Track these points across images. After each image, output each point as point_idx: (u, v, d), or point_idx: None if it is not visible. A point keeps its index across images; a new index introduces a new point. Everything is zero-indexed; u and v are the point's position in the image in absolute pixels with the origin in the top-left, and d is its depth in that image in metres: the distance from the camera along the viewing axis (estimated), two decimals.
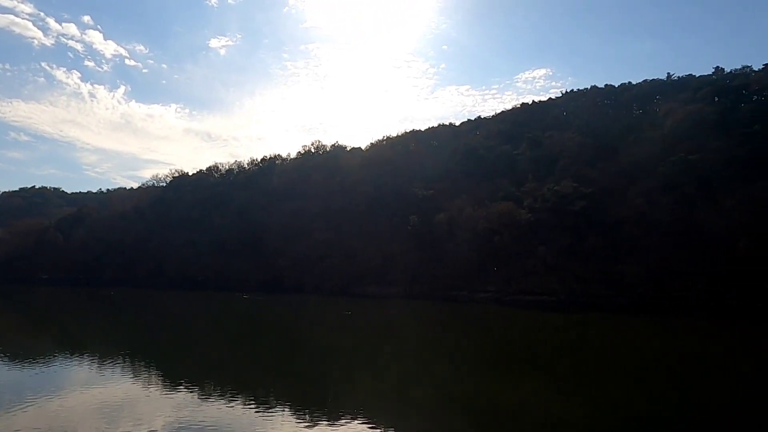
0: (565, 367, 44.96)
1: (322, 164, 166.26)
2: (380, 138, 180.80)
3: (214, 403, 30.88)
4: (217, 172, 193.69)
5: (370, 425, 27.27)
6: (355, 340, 61.05)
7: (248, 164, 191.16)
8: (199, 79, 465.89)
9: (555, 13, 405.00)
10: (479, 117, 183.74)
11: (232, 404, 30.70)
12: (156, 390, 34.02)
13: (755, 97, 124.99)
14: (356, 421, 27.83)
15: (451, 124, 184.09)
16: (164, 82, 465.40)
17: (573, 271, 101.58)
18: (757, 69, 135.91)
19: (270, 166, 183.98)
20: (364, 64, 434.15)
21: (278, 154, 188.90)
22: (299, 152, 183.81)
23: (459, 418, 29.39)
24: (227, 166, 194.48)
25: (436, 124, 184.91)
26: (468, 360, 48.18)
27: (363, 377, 40.15)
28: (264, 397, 32.64)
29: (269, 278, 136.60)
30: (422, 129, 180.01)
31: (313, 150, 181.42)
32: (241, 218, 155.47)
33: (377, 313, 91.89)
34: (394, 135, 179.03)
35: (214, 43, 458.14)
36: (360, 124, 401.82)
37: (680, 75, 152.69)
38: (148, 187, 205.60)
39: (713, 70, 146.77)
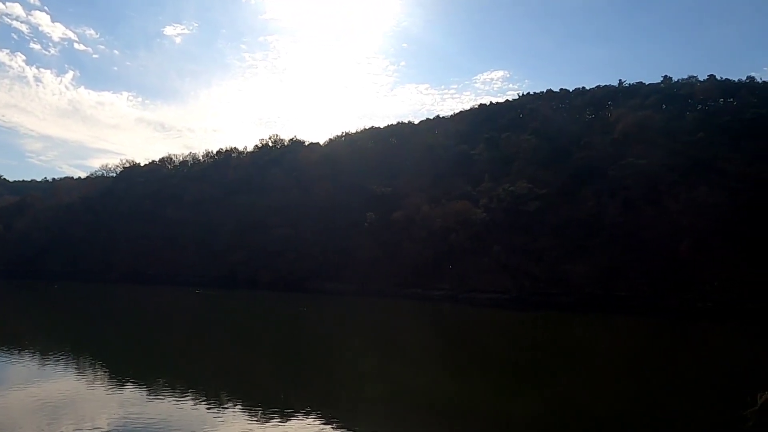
0: (515, 364, 45.96)
1: (280, 159, 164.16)
2: (339, 134, 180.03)
3: (163, 400, 30.16)
4: (170, 164, 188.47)
5: (323, 422, 27.19)
6: (308, 336, 60.72)
7: (203, 156, 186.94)
8: (152, 67, 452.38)
9: (514, 16, 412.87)
10: (438, 116, 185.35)
11: (181, 401, 30.05)
12: (101, 387, 32.96)
13: (699, 106, 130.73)
14: (309, 419, 27.70)
15: (410, 122, 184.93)
16: (116, 68, 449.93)
17: (525, 270, 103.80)
18: (702, 80, 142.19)
19: (226, 159, 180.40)
20: (324, 58, 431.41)
21: (234, 147, 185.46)
22: (256, 146, 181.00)
23: (412, 415, 29.62)
24: (181, 158, 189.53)
25: (395, 122, 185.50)
26: (421, 357, 48.62)
27: (316, 374, 39.97)
28: (215, 394, 32.08)
29: (223, 273, 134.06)
30: (381, 126, 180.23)
31: (270, 144, 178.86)
32: (195, 212, 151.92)
33: (332, 310, 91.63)
34: (353, 131, 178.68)
35: (169, 30, 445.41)
36: (319, 119, 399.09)
37: (631, 82, 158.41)
38: (97, 177, 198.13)
39: (662, 78, 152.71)
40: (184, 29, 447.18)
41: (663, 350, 56.25)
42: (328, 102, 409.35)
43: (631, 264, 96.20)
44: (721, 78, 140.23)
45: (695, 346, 59.71)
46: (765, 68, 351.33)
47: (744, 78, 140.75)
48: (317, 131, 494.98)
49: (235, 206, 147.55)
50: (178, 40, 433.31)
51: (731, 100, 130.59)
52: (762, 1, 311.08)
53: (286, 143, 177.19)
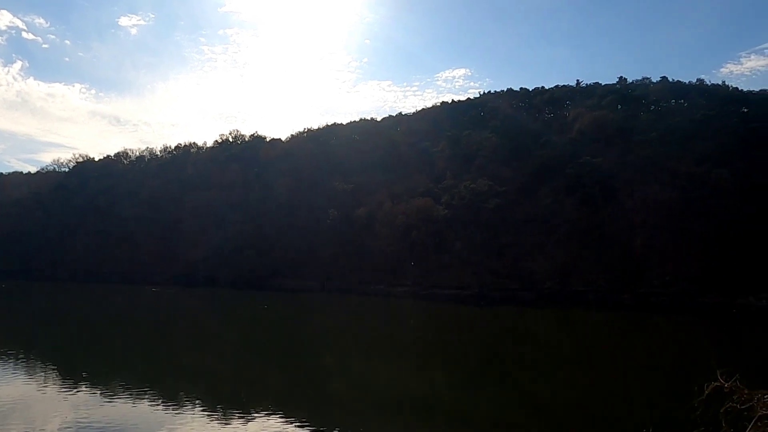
0: (477, 359, 46.60)
1: (240, 154, 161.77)
2: (301, 130, 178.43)
3: (119, 402, 29.38)
4: (126, 159, 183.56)
5: (284, 420, 26.99)
6: (269, 335, 60.12)
7: (161, 151, 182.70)
8: (107, 58, 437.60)
9: (475, 15, 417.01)
10: (400, 113, 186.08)
11: (138, 403, 29.34)
12: (53, 389, 31.86)
13: (653, 106, 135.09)
14: (270, 418, 27.45)
15: (372, 119, 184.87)
16: (67, 59, 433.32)
17: (486, 266, 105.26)
18: (655, 81, 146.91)
19: (184, 154, 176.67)
20: (286, 53, 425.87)
21: (193, 142, 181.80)
22: (216, 141, 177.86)
23: (372, 411, 29.71)
24: (138, 153, 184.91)
25: (357, 119, 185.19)
26: (383, 353, 48.78)
27: (277, 373, 39.64)
28: (173, 395, 31.45)
29: (181, 271, 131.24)
30: (344, 123, 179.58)
31: (231, 139, 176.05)
32: (152, 208, 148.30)
33: (294, 308, 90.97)
34: (315, 128, 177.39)
35: (124, 21, 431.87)
36: (280, 114, 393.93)
37: (588, 82, 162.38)
38: (48, 172, 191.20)
39: (617, 79, 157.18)
40: (139, 20, 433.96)
41: (618, 343, 58.01)
42: (290, 98, 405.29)
43: (588, 259, 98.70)
44: (673, 80, 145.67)
45: (648, 339, 61.78)
46: (714, 71, 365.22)
47: (694, 80, 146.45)
48: (279, 127, 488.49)
49: (193, 203, 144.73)
50: (133, 31, 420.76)
51: (682, 101, 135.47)
52: (712, 7, 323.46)
53: (246, 139, 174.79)
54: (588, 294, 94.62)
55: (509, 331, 66.60)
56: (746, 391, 7.89)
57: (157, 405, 29.12)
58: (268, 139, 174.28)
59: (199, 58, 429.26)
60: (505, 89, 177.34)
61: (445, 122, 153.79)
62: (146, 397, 30.61)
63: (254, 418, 27.35)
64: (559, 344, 55.91)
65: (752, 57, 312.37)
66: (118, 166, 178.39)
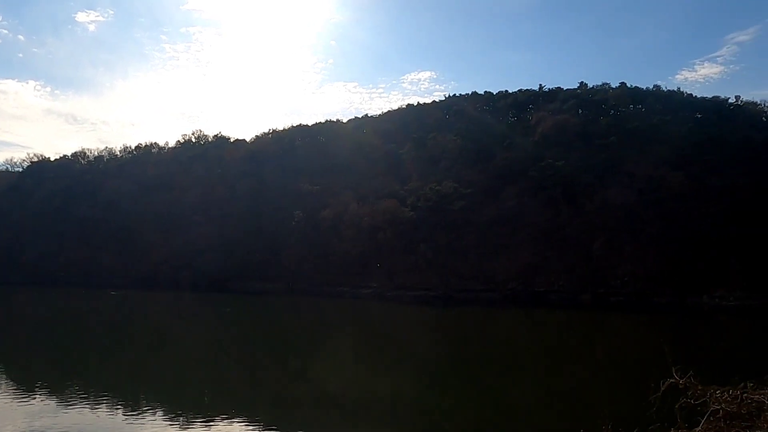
0: (442, 361, 46.96)
1: (203, 155, 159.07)
2: (266, 131, 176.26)
3: (75, 409, 28.49)
4: (84, 159, 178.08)
5: (247, 426, 26.67)
6: (233, 338, 59.31)
7: (120, 151, 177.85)
8: (63, 55, 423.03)
9: (441, 18, 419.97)
10: (366, 115, 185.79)
11: (96, 409, 28.52)
12: (5, 397, 30.69)
13: (612, 111, 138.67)
14: (233, 423, 27.08)
15: (338, 120, 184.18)
16: (21, 55, 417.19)
17: (451, 267, 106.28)
18: (614, 87, 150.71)
19: (145, 154, 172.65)
20: (251, 53, 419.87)
21: (154, 142, 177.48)
22: (178, 141, 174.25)
23: (337, 414, 29.63)
24: (96, 153, 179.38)
25: (323, 120, 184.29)
26: (347, 356, 48.67)
27: (241, 377, 39.15)
28: (133, 401, 30.70)
29: (142, 274, 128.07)
30: (309, 124, 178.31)
31: (193, 140, 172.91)
32: (111, 209, 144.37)
33: (258, 311, 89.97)
34: (281, 128, 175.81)
35: (81, 17, 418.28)
36: (245, 115, 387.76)
37: (550, 87, 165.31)
38: (1, 172, 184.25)
39: (578, 84, 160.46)
40: (98, 16, 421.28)
41: (579, 342, 59.37)
42: (254, 98, 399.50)
43: (551, 261, 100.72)
44: (631, 86, 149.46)
45: (607, 338, 63.46)
46: (669, 78, 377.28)
47: (651, 86, 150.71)
48: (243, 128, 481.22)
49: (155, 204, 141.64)
50: (91, 27, 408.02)
51: (640, 106, 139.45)
52: (668, 16, 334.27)
53: (210, 139, 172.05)
54: (550, 294, 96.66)
55: (474, 332, 67.36)
56: (700, 387, 8.19)
57: (116, 411, 28.38)
58: (232, 140, 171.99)
59: (161, 56, 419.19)
60: (470, 92, 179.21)
61: (411, 124, 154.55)
62: (104, 403, 29.80)
63: (217, 422, 26.94)
64: (523, 344, 56.86)
65: (705, 64, 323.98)
66: (75, 166, 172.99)
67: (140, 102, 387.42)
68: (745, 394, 7.81)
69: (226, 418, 27.61)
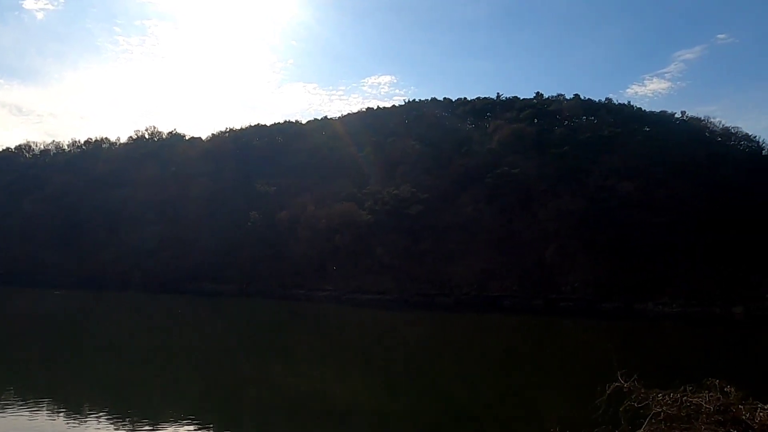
0: (396, 364, 47.12)
1: (157, 152, 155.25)
2: (223, 130, 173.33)
3: (11, 415, 27.18)
4: (29, 152, 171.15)
5: (198, 429, 26.07)
6: (184, 341, 57.93)
7: (68, 145, 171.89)
8: (8, 43, 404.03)
9: (402, 24, 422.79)
10: (326, 117, 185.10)
11: (35, 415, 27.29)
12: None
13: (566, 122, 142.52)
14: (183, 426, 26.42)
15: (297, 121, 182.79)
16: None
17: (407, 271, 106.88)
18: (568, 98, 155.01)
19: (95, 149, 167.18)
20: (208, 49, 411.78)
21: (105, 137, 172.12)
22: (131, 137, 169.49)
23: (290, 419, 29.31)
24: (42, 146, 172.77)
25: (281, 120, 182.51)
26: (302, 359, 48.29)
27: (192, 380, 38.25)
28: (75, 406, 29.55)
29: (89, 273, 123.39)
30: (267, 124, 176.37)
31: (147, 136, 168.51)
32: (58, 205, 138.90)
33: (211, 312, 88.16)
34: (238, 127, 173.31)
35: (29, 4, 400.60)
36: (201, 112, 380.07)
37: (508, 96, 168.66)
38: None
39: (534, 94, 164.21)
40: (47, 4, 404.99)
41: (531, 346, 60.62)
42: (212, 96, 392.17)
43: (504, 266, 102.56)
44: (584, 98, 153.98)
45: (559, 343, 65.05)
46: (621, 91, 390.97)
47: (603, 99, 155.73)
48: (199, 125, 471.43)
49: (104, 201, 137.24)
50: (39, 15, 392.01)
51: (592, 118, 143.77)
52: (619, 32, 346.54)
53: (164, 136, 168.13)
54: (504, 299, 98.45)
55: (429, 336, 67.87)
56: (643, 391, 8.49)
57: (57, 417, 27.25)
58: (187, 137, 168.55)
59: (114, 49, 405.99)
60: (430, 98, 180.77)
61: (370, 128, 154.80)
62: (44, 408, 28.56)
63: (165, 427, 26.23)
64: (476, 348, 57.63)
65: (654, 80, 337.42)
66: (19, 160, 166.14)
67: (91, 95, 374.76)
68: (685, 398, 8.13)
69: (175, 422, 26.91)
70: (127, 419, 27.10)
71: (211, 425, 26.74)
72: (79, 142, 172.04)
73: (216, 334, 64.07)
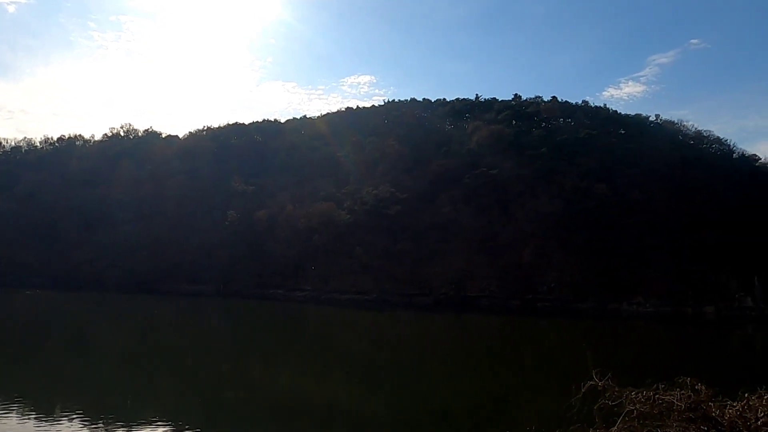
0: (375, 364, 47.12)
1: (133, 150, 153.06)
2: (200, 128, 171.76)
3: None
4: None
5: (175, 430, 25.76)
6: (161, 341, 57.16)
7: (41, 142, 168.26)
8: None
9: (382, 24, 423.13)
10: (305, 116, 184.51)
11: (5, 418, 26.68)
12: None
13: (544, 124, 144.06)
14: (159, 429, 26.08)
15: (276, 120, 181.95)
16: None
17: (386, 271, 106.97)
18: (546, 100, 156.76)
19: (69, 146, 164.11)
20: (186, 46, 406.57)
21: (79, 135, 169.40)
22: (105, 134, 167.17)
23: (268, 419, 29.14)
24: (13, 143, 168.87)
25: (260, 119, 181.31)
26: (281, 359, 48.03)
27: (168, 381, 37.77)
28: (48, 407, 28.95)
29: (62, 273, 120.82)
30: (246, 123, 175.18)
31: (122, 134, 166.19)
32: (30, 203, 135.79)
33: (188, 313, 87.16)
34: (216, 126, 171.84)
35: None
36: (178, 110, 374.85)
37: (486, 97, 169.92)
38: None
39: (513, 96, 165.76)
40: None
41: (508, 346, 61.18)
42: (189, 94, 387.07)
43: (482, 267, 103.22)
44: (562, 100, 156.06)
45: (535, 342, 65.73)
46: (597, 94, 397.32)
47: (580, 101, 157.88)
48: (176, 123, 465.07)
49: (78, 199, 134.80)
50: (11, 9, 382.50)
51: (569, 120, 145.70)
52: (596, 36, 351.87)
53: (140, 134, 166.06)
54: (482, 299, 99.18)
55: (408, 336, 68.02)
56: (617, 389, 8.65)
57: (28, 419, 26.66)
58: (163, 136, 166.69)
59: (88, 45, 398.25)
60: (409, 99, 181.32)
61: (350, 128, 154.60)
62: (15, 411, 27.92)
63: (140, 429, 25.86)
64: (454, 348, 57.93)
65: (630, 83, 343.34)
66: None
67: (64, 91, 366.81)
68: (657, 395, 8.31)
69: (150, 424, 26.55)
70: (101, 421, 26.65)
71: (188, 427, 26.43)
72: (52, 139, 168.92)
73: (193, 334, 63.37)
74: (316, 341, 61.75)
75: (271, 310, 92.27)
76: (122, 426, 26.09)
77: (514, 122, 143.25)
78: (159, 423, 26.76)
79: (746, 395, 7.95)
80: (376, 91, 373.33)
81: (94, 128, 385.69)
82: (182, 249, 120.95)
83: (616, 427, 8.44)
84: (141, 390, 35.00)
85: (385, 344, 60.00)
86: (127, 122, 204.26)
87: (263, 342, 58.96)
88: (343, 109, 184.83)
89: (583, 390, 9.03)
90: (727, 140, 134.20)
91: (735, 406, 7.91)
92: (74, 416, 27.49)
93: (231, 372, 40.44)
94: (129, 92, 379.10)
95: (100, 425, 26.16)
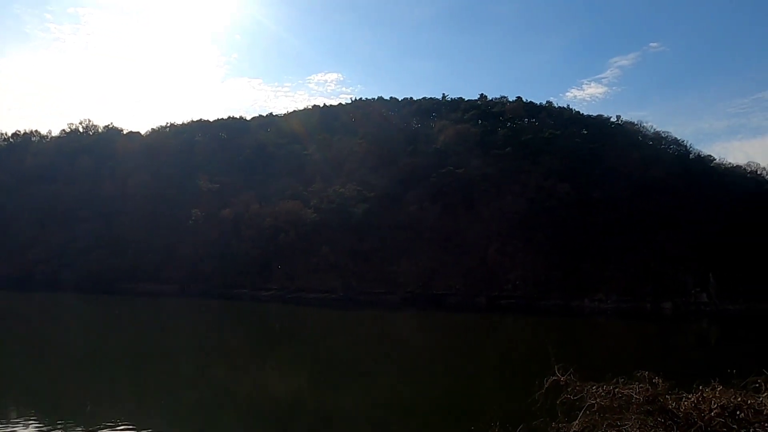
0: (342, 362, 47.04)
1: (92, 146, 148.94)
2: (163, 124, 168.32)
3: None
4: None
5: None
6: (122, 343, 55.75)
7: None
8: None
9: (350, 22, 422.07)
10: (271, 114, 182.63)
11: None
12: None
13: (509, 123, 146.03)
14: (118, 430, 25.46)
15: (241, 117, 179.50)
16: None
17: (353, 270, 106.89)
18: (511, 100, 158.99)
19: (23, 142, 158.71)
20: (147, 39, 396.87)
21: (35, 130, 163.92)
22: (63, 130, 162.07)
23: (234, 418, 28.77)
24: None
25: (225, 117, 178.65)
26: (246, 359, 47.51)
27: (130, 383, 36.90)
28: (2, 413, 27.95)
29: (16, 273, 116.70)
30: (210, 120, 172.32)
31: (81, 129, 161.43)
32: None
33: (150, 313, 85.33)
34: (180, 123, 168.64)
35: None
36: (140, 106, 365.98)
37: (453, 97, 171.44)
38: None
39: (479, 96, 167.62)
40: None
41: (474, 342, 61.89)
42: (152, 89, 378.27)
43: (449, 264, 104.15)
44: (526, 100, 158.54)
45: (500, 339, 66.70)
46: (560, 95, 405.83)
47: (544, 102, 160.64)
48: (138, 119, 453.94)
49: (34, 196, 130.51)
50: None
51: (534, 120, 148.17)
52: (559, 37, 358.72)
53: (100, 130, 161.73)
54: (448, 297, 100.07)
55: (374, 334, 68.12)
56: (578, 384, 8.82)
57: None
58: (124, 132, 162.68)
59: (45, 37, 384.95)
60: (376, 97, 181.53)
61: (316, 126, 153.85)
62: None
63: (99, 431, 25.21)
64: (420, 345, 58.30)
65: (592, 84, 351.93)
66: None
67: (19, 84, 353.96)
68: (617, 389, 8.51)
69: (110, 428, 25.89)
70: (59, 426, 25.86)
71: (149, 427, 25.89)
72: (6, 134, 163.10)
73: (154, 335, 62.05)
74: (281, 341, 61.29)
75: (236, 310, 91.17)
76: (79, 427, 25.38)
77: (480, 122, 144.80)
78: (119, 427, 26.11)
79: (700, 387, 8.21)
80: (344, 89, 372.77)
81: (51, 124, 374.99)
82: (144, 248, 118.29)
83: (577, 421, 8.62)
84: (100, 393, 34.10)
85: (351, 343, 59.96)
86: (86, 118, 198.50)
87: (227, 342, 58.18)
88: (310, 107, 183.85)
89: (546, 385, 9.19)
90: (684, 141, 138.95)
91: (690, 398, 8.15)
92: (30, 422, 26.61)
93: (194, 372, 39.79)
94: (88, 87, 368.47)
95: (59, 430, 25.38)
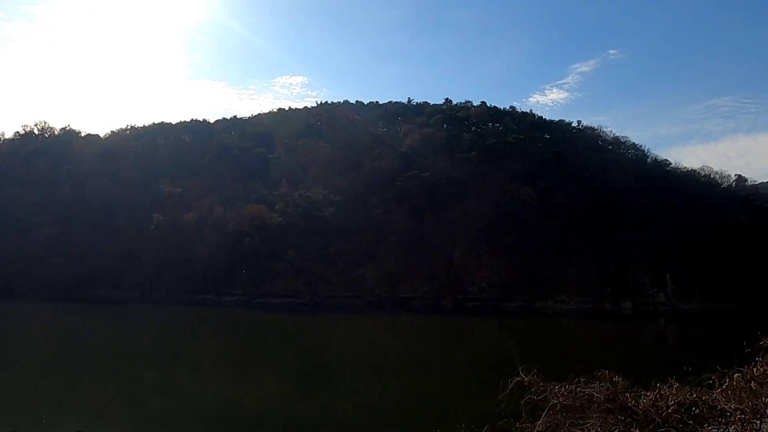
0: (308, 367, 46.67)
1: (48, 149, 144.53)
2: (123, 127, 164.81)
3: None
4: None
5: None
6: (81, 352, 54.05)
7: None
8: None
9: (315, 25, 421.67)
10: (235, 117, 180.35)
11: None
12: None
13: (474, 128, 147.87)
14: None
15: (205, 120, 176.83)
16: None
17: (319, 274, 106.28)
18: (476, 105, 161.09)
19: None
20: (107, 39, 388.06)
21: None
22: (18, 132, 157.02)
23: (198, 427, 28.24)
24: None
25: (188, 119, 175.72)
26: (210, 366, 46.68)
27: (89, 392, 35.81)
28: None
29: None
30: (173, 122, 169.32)
31: (36, 132, 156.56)
32: None
33: (109, 321, 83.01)
34: (140, 125, 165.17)
35: None
36: (98, 108, 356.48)
37: (418, 101, 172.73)
38: None
39: (444, 100, 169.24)
40: None
41: (440, 345, 62.28)
42: (111, 90, 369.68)
43: (414, 268, 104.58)
44: (491, 105, 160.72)
45: (466, 341, 67.29)
46: (524, 100, 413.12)
47: (508, 107, 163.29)
48: (96, 122, 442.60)
49: None
50: None
51: (498, 125, 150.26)
52: (523, 43, 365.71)
53: (56, 132, 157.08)
54: (414, 300, 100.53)
55: (341, 338, 67.84)
56: (541, 384, 8.98)
57: None
58: (83, 134, 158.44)
59: None
60: (342, 100, 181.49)
61: (281, 129, 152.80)
62: None
63: None
64: (387, 349, 58.33)
65: (554, 90, 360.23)
66: None
67: None
68: (579, 389, 8.70)
69: None
70: None
71: None
72: None
73: (115, 343, 60.35)
74: (247, 346, 60.45)
75: (200, 316, 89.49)
76: None
77: (445, 126, 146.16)
78: None
79: (658, 385, 8.46)
80: (309, 92, 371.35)
81: (5, 126, 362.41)
82: (104, 254, 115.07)
83: (541, 421, 8.76)
84: (59, 403, 32.99)
85: (317, 347, 59.56)
86: (42, 120, 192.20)
87: (190, 349, 57.07)
88: (275, 110, 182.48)
89: (510, 386, 9.31)
90: (642, 146, 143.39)
91: (648, 396, 8.39)
92: None
93: (156, 381, 38.88)
94: (44, 88, 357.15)
95: None
